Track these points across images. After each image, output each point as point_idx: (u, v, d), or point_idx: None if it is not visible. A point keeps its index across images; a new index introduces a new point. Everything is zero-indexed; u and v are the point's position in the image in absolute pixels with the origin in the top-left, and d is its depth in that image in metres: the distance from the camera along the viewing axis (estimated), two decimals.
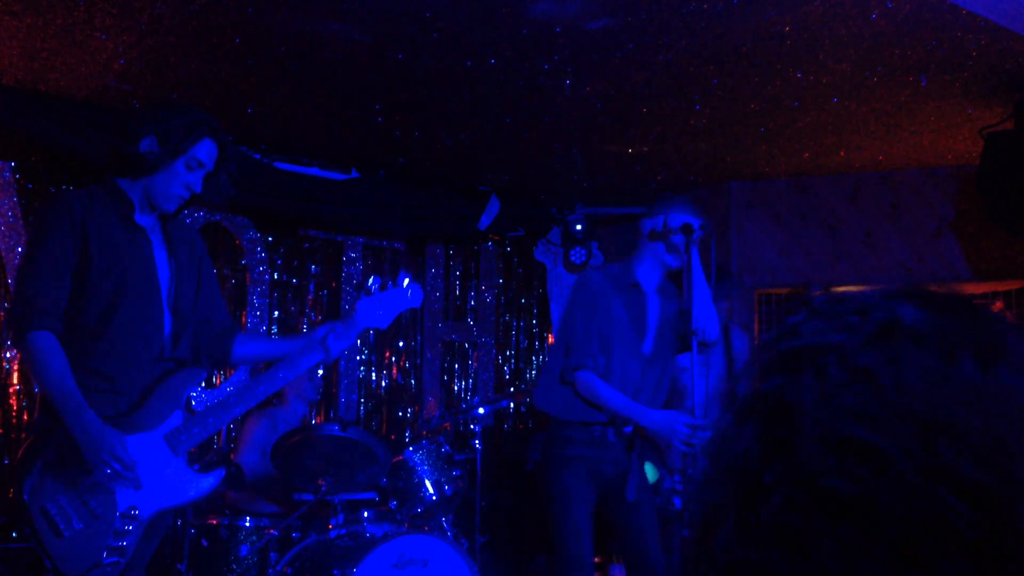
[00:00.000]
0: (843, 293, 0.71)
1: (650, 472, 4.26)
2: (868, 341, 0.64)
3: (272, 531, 4.17)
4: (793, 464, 0.62)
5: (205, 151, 2.80)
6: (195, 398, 2.88)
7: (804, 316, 0.70)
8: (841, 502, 0.60)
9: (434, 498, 4.37)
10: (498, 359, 6.80)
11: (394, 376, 6.41)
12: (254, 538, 4.16)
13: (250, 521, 4.21)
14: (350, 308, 2.97)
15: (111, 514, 2.61)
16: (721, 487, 0.67)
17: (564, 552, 3.71)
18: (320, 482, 4.23)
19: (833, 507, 0.60)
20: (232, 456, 4.86)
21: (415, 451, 4.44)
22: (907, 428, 0.60)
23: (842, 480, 0.60)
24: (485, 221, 6.32)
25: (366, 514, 4.35)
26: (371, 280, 2.99)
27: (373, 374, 6.32)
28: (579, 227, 6.57)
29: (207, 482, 2.80)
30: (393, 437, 6.27)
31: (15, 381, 5.02)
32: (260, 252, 5.88)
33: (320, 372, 5.96)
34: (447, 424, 4.88)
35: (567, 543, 3.69)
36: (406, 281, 3.02)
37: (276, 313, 5.93)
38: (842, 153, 5.52)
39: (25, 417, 5.01)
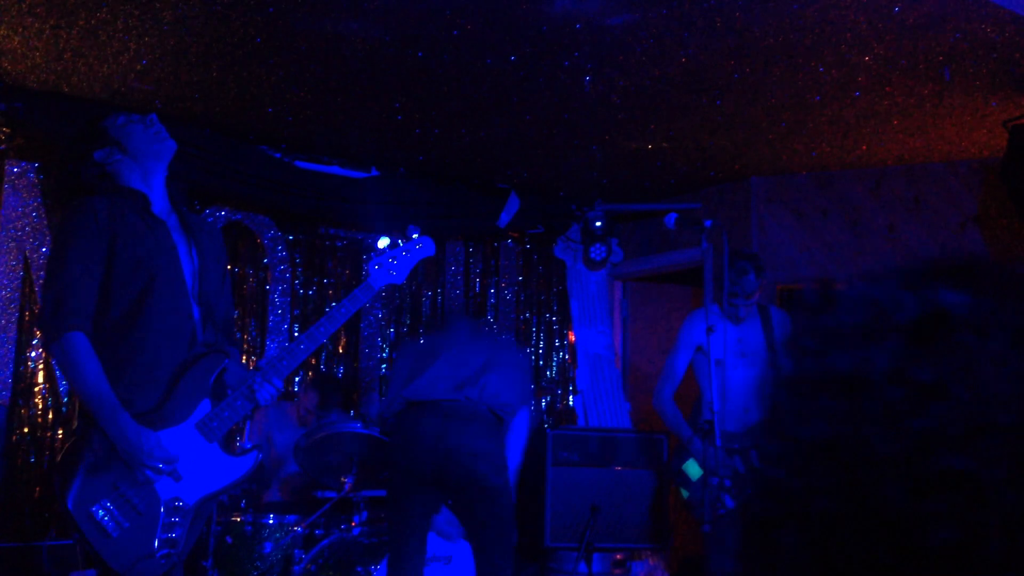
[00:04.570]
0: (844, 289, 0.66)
1: (692, 469, 4.24)
2: (920, 345, 0.60)
3: (296, 529, 4.19)
4: (887, 520, 0.58)
5: (117, 115, 2.91)
6: (220, 383, 2.87)
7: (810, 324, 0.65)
8: (950, 556, 0.56)
9: None
10: None
11: None
12: (278, 535, 4.18)
13: (274, 518, 4.23)
14: (366, 273, 3.05)
15: (155, 509, 2.63)
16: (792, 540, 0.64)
17: None
18: (343, 479, 4.25)
19: (940, 563, 0.57)
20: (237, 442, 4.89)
21: None
22: (999, 447, 0.56)
23: (948, 530, 0.56)
24: (505, 218, 6.32)
25: None
26: (380, 240, 3.10)
27: None
28: (599, 224, 6.56)
29: (245, 463, 2.81)
30: None
31: (40, 380, 5.07)
32: (281, 251, 5.90)
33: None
34: None
35: None
36: (415, 235, 3.13)
37: (297, 312, 5.96)
38: (864, 147, 5.48)
39: (51, 416, 5.06)
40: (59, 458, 2.65)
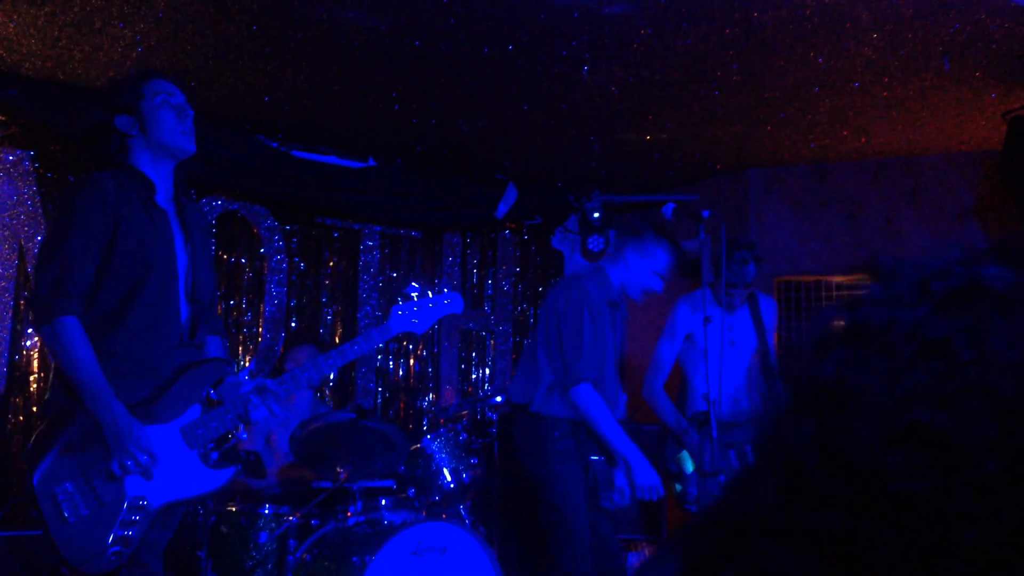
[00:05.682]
0: (915, 259, 0.64)
1: (686, 463, 4.21)
2: (941, 309, 0.58)
3: (291, 518, 4.18)
4: (856, 468, 0.56)
5: (162, 85, 2.81)
6: (213, 391, 2.83)
7: (868, 287, 0.64)
8: (910, 506, 0.53)
9: (452, 486, 4.38)
10: (516, 347, 6.79)
11: (411, 364, 6.42)
12: (273, 525, 4.17)
13: (269, 508, 4.23)
14: (383, 315, 3.05)
15: (119, 503, 2.58)
16: (770, 488, 0.61)
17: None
18: (339, 470, 4.24)
19: (902, 513, 0.54)
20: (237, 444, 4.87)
21: (433, 439, 4.44)
22: (988, 410, 0.53)
23: (910, 480, 0.53)
24: (502, 209, 6.31)
25: (384, 502, 4.36)
26: (411, 287, 3.10)
27: (391, 362, 6.32)
28: (597, 215, 6.54)
29: (219, 478, 2.77)
30: (411, 425, 6.28)
31: (35, 369, 5.06)
32: (278, 241, 5.89)
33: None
34: (465, 412, 4.88)
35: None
36: (446, 289, 3.15)
37: (293, 302, 5.95)
38: (863, 139, 5.47)
39: None
40: (35, 434, 2.61)
